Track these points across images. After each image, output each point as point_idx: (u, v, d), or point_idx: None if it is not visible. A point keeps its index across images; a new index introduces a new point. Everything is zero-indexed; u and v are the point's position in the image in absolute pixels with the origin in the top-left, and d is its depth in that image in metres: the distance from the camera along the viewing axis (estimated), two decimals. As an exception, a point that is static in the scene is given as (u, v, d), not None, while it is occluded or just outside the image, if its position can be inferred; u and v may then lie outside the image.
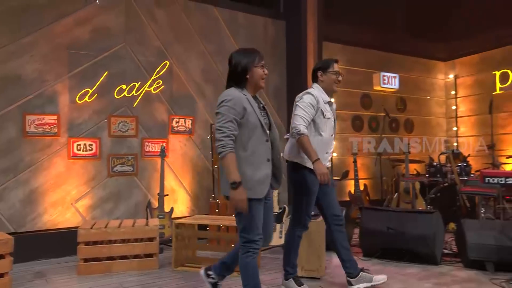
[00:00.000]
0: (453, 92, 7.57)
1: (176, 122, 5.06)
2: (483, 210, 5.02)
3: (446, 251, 3.97)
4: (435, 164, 5.55)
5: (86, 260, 3.48)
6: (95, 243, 3.53)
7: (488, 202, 5.04)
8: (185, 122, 5.12)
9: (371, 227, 3.92)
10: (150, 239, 3.62)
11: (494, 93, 6.63)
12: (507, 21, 6.25)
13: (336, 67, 3.05)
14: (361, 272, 2.99)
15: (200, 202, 5.13)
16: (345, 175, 5.53)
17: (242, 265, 2.39)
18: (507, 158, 5.39)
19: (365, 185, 6.11)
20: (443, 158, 5.86)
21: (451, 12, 7.12)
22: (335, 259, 3.87)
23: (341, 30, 6.56)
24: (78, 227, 3.67)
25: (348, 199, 5.95)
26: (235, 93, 2.30)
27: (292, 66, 5.95)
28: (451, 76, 7.62)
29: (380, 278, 3.00)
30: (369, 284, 2.95)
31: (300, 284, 2.95)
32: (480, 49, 7.11)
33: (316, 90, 2.99)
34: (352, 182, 5.90)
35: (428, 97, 7.63)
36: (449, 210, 4.85)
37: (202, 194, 5.16)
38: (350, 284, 2.99)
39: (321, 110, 2.91)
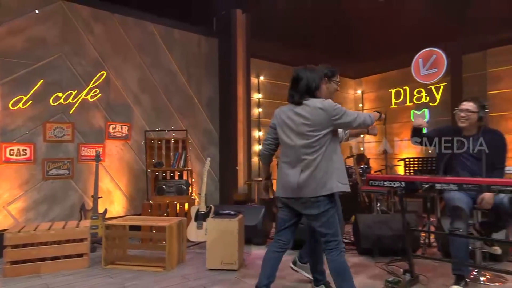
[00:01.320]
0: (360, 105, 8.04)
1: (113, 128, 4.83)
2: (379, 204, 5.39)
3: (346, 241, 4.18)
4: (346, 166, 5.83)
5: (14, 262, 3.19)
6: (25, 245, 3.26)
7: (383, 198, 5.41)
8: (121, 128, 4.91)
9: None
10: (81, 240, 3.42)
11: (390, 107, 7.15)
12: (401, 49, 6.74)
13: (338, 77, 2.85)
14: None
15: (136, 203, 4.94)
16: (268, 176, 5.61)
17: (340, 266, 2.26)
18: (398, 161, 5.83)
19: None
20: (350, 160, 6.18)
21: (361, 39, 7.55)
22: (254, 252, 3.97)
23: (268, 48, 6.68)
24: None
25: (272, 196, 6.09)
26: None
27: (224, 79, 5.95)
28: (359, 91, 8.08)
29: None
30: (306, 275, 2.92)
31: None
32: (380, 70, 7.63)
33: None
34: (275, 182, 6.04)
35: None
36: (352, 205, 5.13)
37: (138, 195, 4.98)
38: (294, 263, 2.98)
39: None
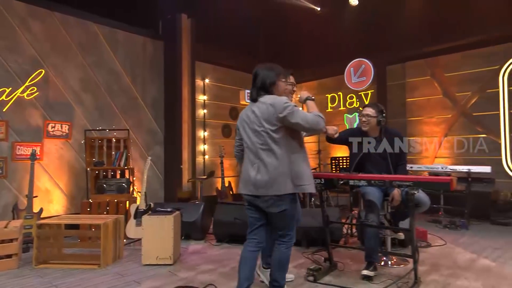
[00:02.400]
0: (300, 108, 8.28)
1: (52, 127, 4.58)
2: (313, 199, 5.60)
3: (280, 234, 4.32)
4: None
5: None
6: None
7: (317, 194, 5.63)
8: (61, 127, 4.67)
9: (223, 218, 4.07)
10: (11, 240, 3.21)
11: (327, 110, 7.47)
12: (336, 58, 7.07)
13: (292, 79, 2.77)
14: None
15: (76, 202, 4.72)
16: (210, 175, 5.64)
17: (285, 258, 2.32)
18: (330, 159, 6.11)
19: (229, 182, 6.32)
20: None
21: (300, 47, 7.81)
22: (192, 247, 3.96)
23: (214, 53, 6.67)
24: None
25: (215, 193, 6.11)
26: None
27: (169, 81, 5.86)
28: (299, 96, 8.33)
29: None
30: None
31: None
32: (318, 77, 7.93)
33: None
34: (220, 179, 6.07)
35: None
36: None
37: (79, 193, 4.76)
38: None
39: None
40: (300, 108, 2.26)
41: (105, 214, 4.19)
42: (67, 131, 4.71)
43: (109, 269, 3.21)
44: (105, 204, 4.28)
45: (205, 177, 5.40)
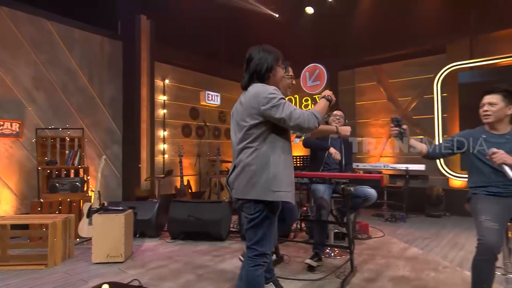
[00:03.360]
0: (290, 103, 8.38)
1: (1, 126, 4.30)
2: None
3: (234, 230, 4.35)
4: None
5: None
6: None
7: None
8: (11, 126, 4.39)
9: (177, 216, 4.04)
10: (-50, 242, 2.99)
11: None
12: (292, 62, 7.21)
13: (291, 71, 2.39)
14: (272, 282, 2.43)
15: (27, 201, 4.45)
16: (168, 173, 5.56)
17: (251, 279, 1.77)
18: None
19: (188, 180, 6.26)
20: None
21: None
22: (146, 244, 3.89)
23: (173, 54, 6.58)
24: None
25: (174, 192, 6.03)
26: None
27: (128, 80, 5.70)
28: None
29: None
30: None
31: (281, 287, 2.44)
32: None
33: None
34: (179, 178, 6.00)
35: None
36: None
37: (31, 193, 4.49)
38: None
39: None
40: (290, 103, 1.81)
41: (57, 213, 4.00)
42: (17, 130, 4.44)
43: (57, 268, 3.08)
44: (57, 203, 4.09)
45: (162, 176, 5.31)
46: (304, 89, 7.01)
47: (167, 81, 6.47)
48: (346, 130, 2.68)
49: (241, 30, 7.47)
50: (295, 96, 7.65)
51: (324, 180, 2.87)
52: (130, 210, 3.48)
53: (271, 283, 2.40)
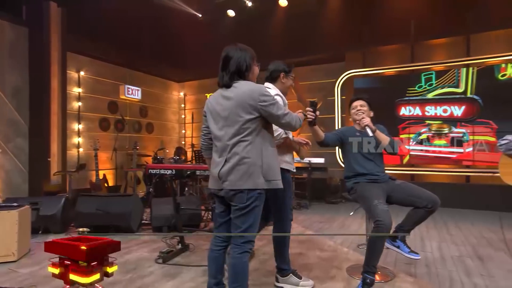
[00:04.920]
0: (182, 105, 8.23)
1: None
2: (187, 189, 5.63)
3: (147, 222, 4.21)
4: (158, 157, 5.85)
5: None
6: None
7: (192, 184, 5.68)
8: None
9: (84, 210, 3.78)
10: None
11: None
12: (213, 61, 7.21)
13: (293, 73, 2.42)
14: (291, 274, 2.39)
15: None
16: (80, 167, 5.16)
17: (238, 265, 1.80)
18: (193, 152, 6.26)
19: (104, 175, 5.90)
20: (161, 152, 6.29)
21: (184, 48, 7.71)
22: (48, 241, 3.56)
23: (91, 46, 6.09)
24: None
25: (89, 186, 5.63)
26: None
27: (35, 70, 5.13)
28: (182, 94, 8.26)
29: (307, 284, 2.37)
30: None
31: (300, 277, 2.38)
32: (199, 77, 8.00)
33: (277, 91, 2.31)
34: (94, 172, 5.61)
35: (165, 108, 8.03)
36: (161, 190, 5.20)
37: None
38: (277, 280, 2.41)
39: None
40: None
41: None
42: None
43: None
44: None
45: (74, 170, 4.91)
46: (224, 87, 7.05)
47: (82, 73, 5.98)
48: (303, 153, 2.57)
49: (164, 26, 7.22)
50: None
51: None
52: (26, 206, 3.16)
53: (291, 274, 2.38)
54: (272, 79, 2.39)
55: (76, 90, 5.88)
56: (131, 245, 3.41)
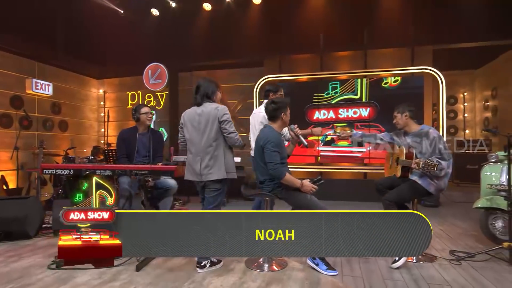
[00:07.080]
0: (102, 103, 7.73)
1: None
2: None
3: (48, 226, 3.87)
4: (69, 157, 5.39)
5: None
6: None
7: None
8: None
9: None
10: None
11: (127, 107, 7.26)
12: (135, 60, 6.92)
13: (282, 91, 3.23)
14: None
15: None
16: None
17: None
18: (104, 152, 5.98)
19: (2, 176, 5.25)
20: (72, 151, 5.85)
21: (101, 46, 7.25)
22: None
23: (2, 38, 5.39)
24: None
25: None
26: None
27: None
28: (101, 91, 7.76)
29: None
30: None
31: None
32: (120, 75, 7.61)
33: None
34: (-9, 174, 4.95)
35: (82, 105, 7.46)
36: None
37: None
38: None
39: None
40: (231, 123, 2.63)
41: None
42: None
43: None
44: None
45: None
46: (146, 86, 6.85)
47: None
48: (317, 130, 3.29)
49: (82, 19, 6.71)
50: (138, 92, 7.39)
51: (125, 172, 2.88)
52: None
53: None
54: (265, 97, 3.28)
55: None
56: (21, 253, 3.11)
